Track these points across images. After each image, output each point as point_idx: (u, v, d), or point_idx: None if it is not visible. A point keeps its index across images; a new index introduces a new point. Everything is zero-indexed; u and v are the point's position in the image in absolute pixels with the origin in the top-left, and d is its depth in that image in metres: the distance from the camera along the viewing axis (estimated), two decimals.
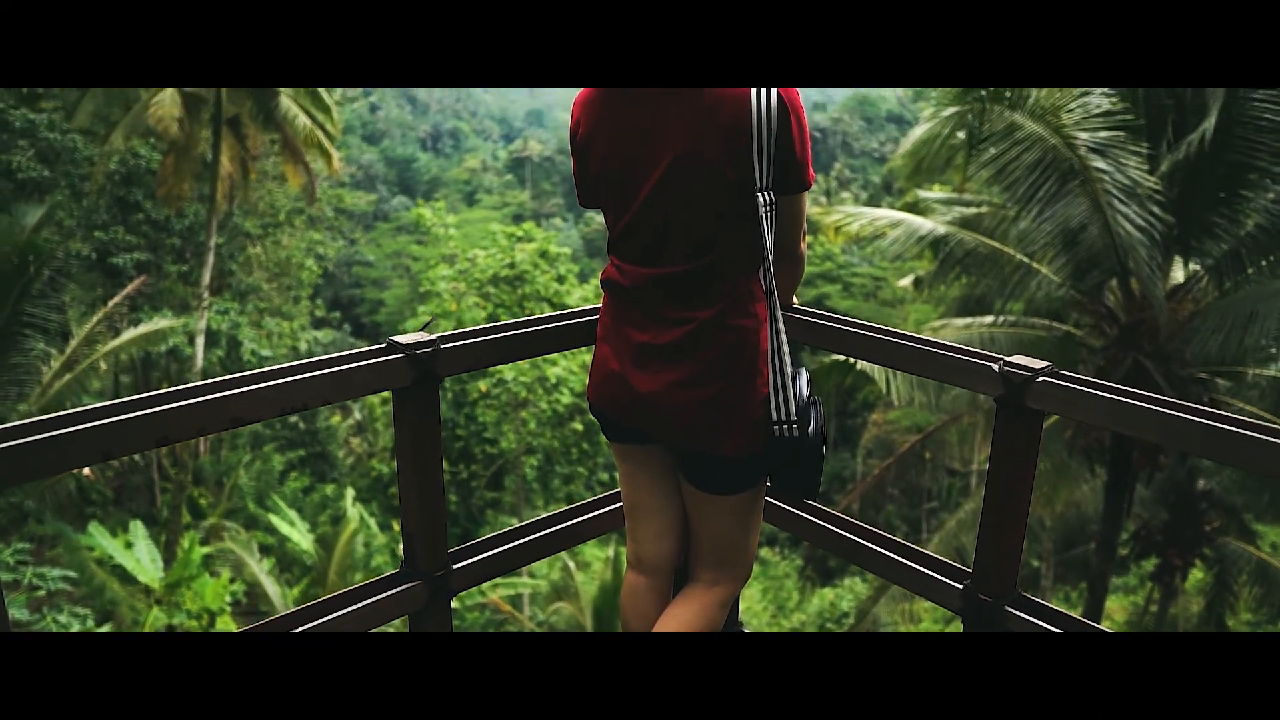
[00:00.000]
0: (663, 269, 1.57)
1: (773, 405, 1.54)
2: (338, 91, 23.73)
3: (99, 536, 12.72)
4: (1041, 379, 1.49)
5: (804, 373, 1.60)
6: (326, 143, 16.30)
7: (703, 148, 1.48)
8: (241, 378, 1.33)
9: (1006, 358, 1.53)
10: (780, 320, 1.54)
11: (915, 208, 13.23)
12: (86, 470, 13.47)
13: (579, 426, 15.98)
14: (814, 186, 1.59)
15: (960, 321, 10.51)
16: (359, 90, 32.38)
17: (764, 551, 20.18)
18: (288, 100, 15.95)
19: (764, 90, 1.46)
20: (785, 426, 1.54)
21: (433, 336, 1.60)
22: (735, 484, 1.65)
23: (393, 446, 20.50)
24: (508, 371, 15.27)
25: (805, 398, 1.57)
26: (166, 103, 14.66)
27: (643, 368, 1.59)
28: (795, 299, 1.88)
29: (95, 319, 13.57)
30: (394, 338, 1.56)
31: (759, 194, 1.49)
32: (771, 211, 1.50)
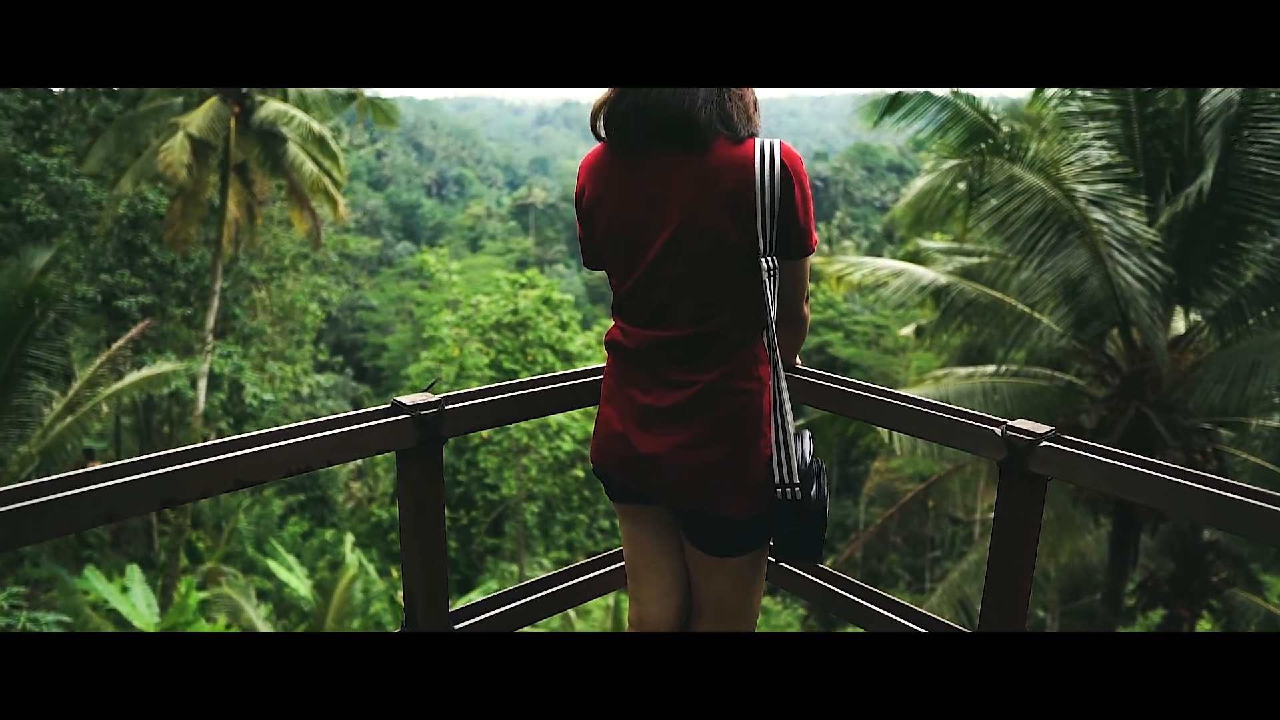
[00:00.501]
0: (667, 332, 1.58)
1: (775, 468, 1.54)
2: (345, 139, 24.07)
3: (95, 580, 12.61)
4: (1044, 444, 1.49)
5: (806, 435, 1.61)
6: (333, 189, 16.48)
7: (707, 214, 1.51)
8: (245, 439, 1.34)
9: (1009, 421, 1.53)
10: (783, 383, 1.55)
11: (916, 256, 13.31)
12: None
13: (580, 473, 15.93)
14: (815, 242, 1.61)
15: (962, 371, 10.51)
16: (366, 137, 32.82)
17: (766, 600, 19.96)
18: (295, 147, 16.17)
19: (767, 157, 1.49)
20: (788, 490, 1.54)
21: (437, 397, 1.61)
22: (738, 546, 1.65)
23: (393, 492, 20.41)
24: None
25: (808, 461, 1.58)
26: (176, 149, 14.86)
27: (646, 429, 1.60)
28: (798, 358, 1.90)
29: (98, 362, 13.61)
30: (399, 398, 1.57)
31: (762, 259, 1.51)
32: (774, 276, 1.52)
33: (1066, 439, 1.48)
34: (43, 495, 1.17)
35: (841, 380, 1.83)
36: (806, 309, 1.68)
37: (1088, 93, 8.57)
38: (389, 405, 1.57)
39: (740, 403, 1.57)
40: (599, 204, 1.61)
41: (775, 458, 1.54)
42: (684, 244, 1.53)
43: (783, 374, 1.55)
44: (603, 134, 1.60)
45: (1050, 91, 9.98)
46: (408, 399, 1.57)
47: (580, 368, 1.92)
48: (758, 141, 1.52)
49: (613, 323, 1.70)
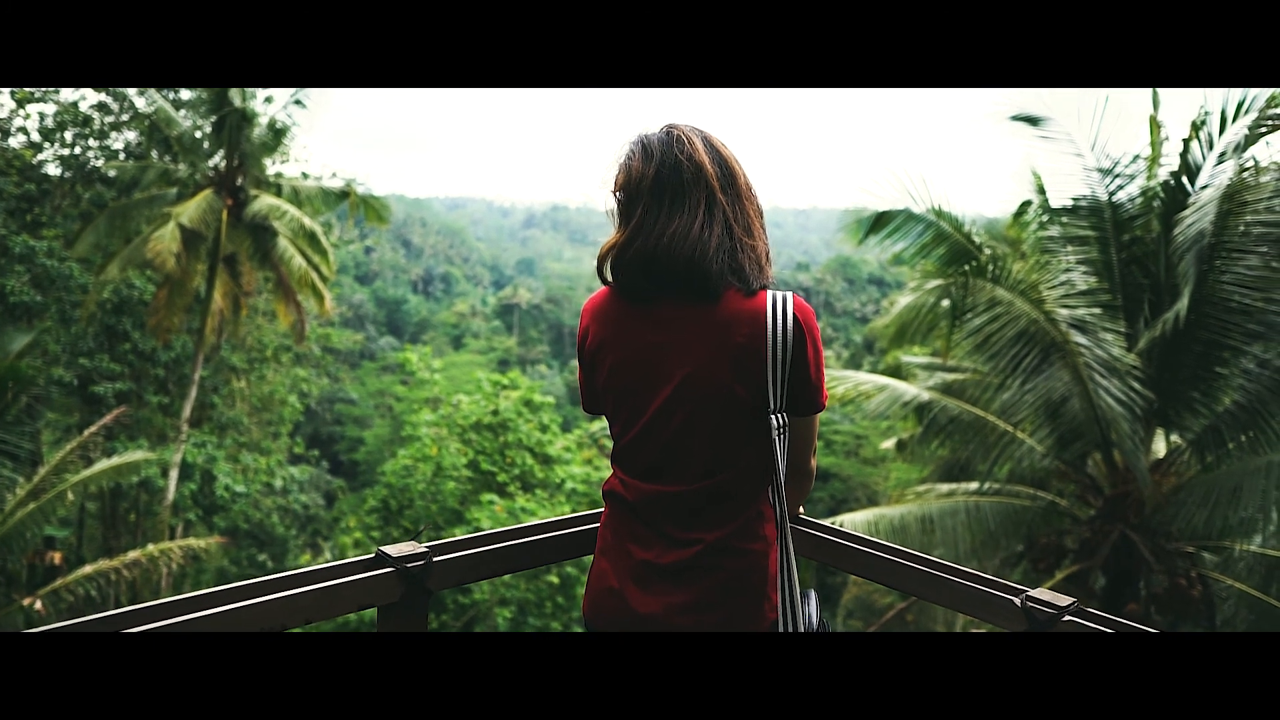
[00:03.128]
0: (669, 486, 1.51)
1: (780, 631, 1.46)
2: (335, 233, 24.32)
3: None
4: (1067, 618, 1.41)
5: (813, 596, 1.54)
6: (320, 284, 16.55)
7: (715, 367, 1.46)
8: (214, 594, 1.24)
9: (1029, 590, 1.46)
10: (790, 543, 1.49)
11: (897, 370, 13.41)
12: (38, 605, 12.91)
13: (555, 579, 15.54)
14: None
15: (944, 487, 10.45)
16: (356, 232, 33.22)
17: None
18: (285, 241, 16.29)
19: (779, 311, 1.45)
20: None
21: (424, 548, 1.51)
22: None
23: None
24: (484, 520, 14.98)
25: (815, 624, 1.50)
26: (166, 237, 14.93)
27: (644, 587, 1.51)
28: (801, 508, 1.84)
29: (67, 448, 13.35)
30: (383, 548, 1.47)
31: (771, 416, 1.46)
32: (784, 434, 1.47)
33: (1089, 612, 1.41)
34: None
35: (849, 535, 1.76)
36: (814, 463, 1.63)
37: (1065, 218, 8.81)
38: (372, 555, 1.47)
39: (746, 564, 1.49)
40: (603, 350, 1.56)
41: (780, 621, 1.46)
42: (690, 397, 1.47)
43: (790, 533, 1.49)
44: (609, 278, 1.56)
45: (1029, 215, 10.26)
46: (393, 549, 1.47)
47: (574, 514, 1.83)
48: (770, 294, 1.48)
49: (611, 471, 1.63)
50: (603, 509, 1.67)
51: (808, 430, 1.56)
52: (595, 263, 1.59)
